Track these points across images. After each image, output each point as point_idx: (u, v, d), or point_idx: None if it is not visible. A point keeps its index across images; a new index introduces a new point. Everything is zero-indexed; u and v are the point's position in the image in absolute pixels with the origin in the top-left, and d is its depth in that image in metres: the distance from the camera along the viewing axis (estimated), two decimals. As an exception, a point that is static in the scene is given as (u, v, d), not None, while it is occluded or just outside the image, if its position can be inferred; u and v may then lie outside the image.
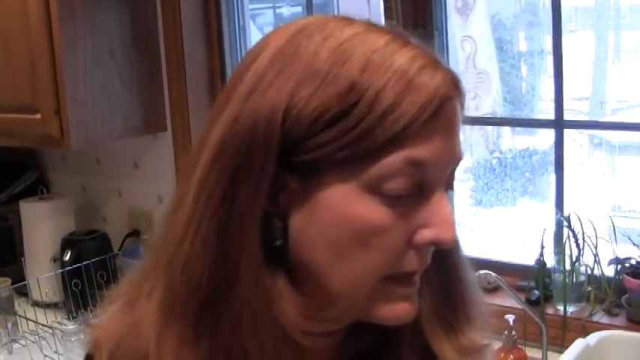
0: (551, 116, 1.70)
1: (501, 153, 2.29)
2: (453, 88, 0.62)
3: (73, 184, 2.49)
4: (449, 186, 0.65)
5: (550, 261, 1.67)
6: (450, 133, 0.62)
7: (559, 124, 1.67)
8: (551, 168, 1.72)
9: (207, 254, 0.60)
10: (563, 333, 1.59)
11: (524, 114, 2.17)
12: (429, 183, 0.61)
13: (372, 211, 0.60)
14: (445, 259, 0.69)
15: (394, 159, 0.59)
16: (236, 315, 0.60)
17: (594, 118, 2.27)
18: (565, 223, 1.61)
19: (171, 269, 0.62)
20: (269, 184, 0.60)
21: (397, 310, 0.64)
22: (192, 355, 0.61)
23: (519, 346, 1.56)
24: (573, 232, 1.60)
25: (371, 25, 0.64)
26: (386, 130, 0.58)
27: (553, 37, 1.63)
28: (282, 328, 0.62)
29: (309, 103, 0.59)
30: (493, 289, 1.70)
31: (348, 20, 0.64)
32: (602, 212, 1.87)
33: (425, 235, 0.62)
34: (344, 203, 0.60)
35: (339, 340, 0.67)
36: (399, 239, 0.61)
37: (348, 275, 0.62)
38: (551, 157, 1.80)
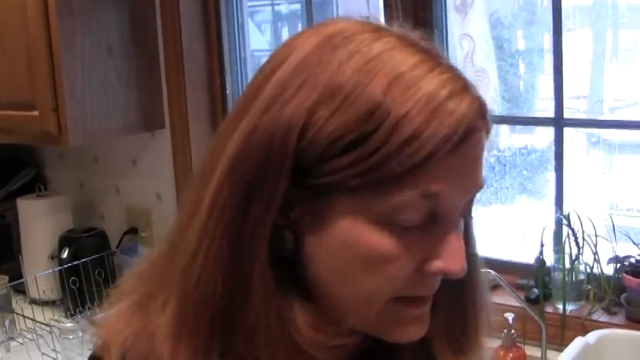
0: (549, 114, 1.70)
1: (499, 151, 2.29)
2: (478, 119, 0.59)
3: (71, 182, 2.49)
4: (466, 212, 0.64)
5: (549, 259, 1.67)
6: (471, 164, 0.60)
7: (559, 122, 1.67)
8: (549, 166, 1.72)
9: (221, 270, 0.60)
10: (563, 331, 1.59)
11: (522, 112, 2.17)
12: (444, 213, 0.60)
13: (381, 240, 0.59)
14: (465, 281, 0.67)
15: (408, 192, 0.58)
16: (249, 328, 0.60)
17: (592, 117, 2.28)
18: (565, 222, 1.61)
19: (185, 282, 0.61)
20: (280, 201, 0.59)
21: (408, 332, 0.64)
22: None
23: (518, 344, 1.56)
24: (573, 230, 1.60)
25: (401, 40, 0.61)
26: (402, 162, 0.56)
27: (553, 35, 1.62)
28: (294, 340, 0.61)
29: (326, 125, 0.57)
30: (492, 288, 1.70)
31: (378, 32, 0.61)
32: (601, 211, 1.87)
33: (434, 265, 0.61)
34: (352, 230, 0.59)
35: (351, 351, 0.67)
36: (407, 268, 0.60)
37: (354, 297, 0.62)
38: (549, 155, 1.79)
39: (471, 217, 0.69)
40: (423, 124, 0.56)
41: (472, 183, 0.61)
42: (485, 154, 0.62)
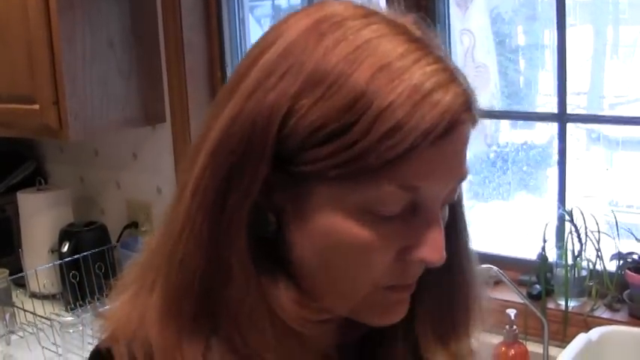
0: (549, 110, 1.69)
1: (499, 147, 2.29)
2: (463, 111, 0.58)
3: (71, 175, 2.48)
4: (449, 201, 0.63)
5: (552, 256, 1.67)
6: (453, 157, 0.60)
7: (562, 117, 1.67)
8: (549, 162, 1.71)
9: (201, 254, 0.60)
10: (565, 328, 1.59)
11: (521, 108, 2.16)
12: (424, 204, 0.60)
13: (360, 231, 0.59)
14: (454, 263, 0.68)
15: (388, 184, 0.57)
16: (233, 311, 0.61)
17: (592, 113, 2.27)
18: (567, 218, 1.60)
19: (169, 266, 0.62)
20: (262, 186, 0.59)
21: (388, 317, 0.65)
22: (195, 348, 0.61)
23: (520, 340, 1.56)
24: (575, 226, 1.60)
25: (391, 27, 0.60)
26: (382, 155, 0.56)
27: (557, 29, 1.62)
28: (280, 319, 0.62)
29: (309, 113, 0.57)
30: (494, 284, 1.70)
31: (368, 17, 0.60)
32: (601, 207, 1.87)
33: (413, 255, 0.61)
34: (331, 220, 0.59)
35: (337, 325, 0.67)
36: (387, 257, 0.60)
37: (336, 283, 0.62)
38: (549, 150, 1.79)
39: (461, 207, 0.69)
40: (404, 116, 0.56)
41: (454, 174, 0.61)
42: (467, 145, 0.61)
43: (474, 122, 0.61)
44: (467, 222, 0.70)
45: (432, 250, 0.60)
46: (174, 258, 0.61)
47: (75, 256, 2.06)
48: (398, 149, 0.56)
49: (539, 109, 2.09)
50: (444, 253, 0.61)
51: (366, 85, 0.56)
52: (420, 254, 0.60)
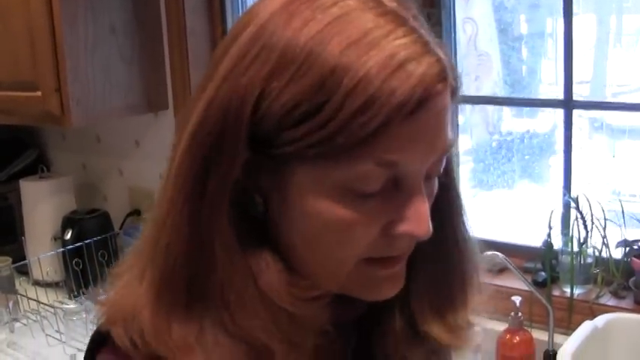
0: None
1: (501, 135, 2.28)
2: (438, 82, 0.57)
3: (74, 163, 2.47)
4: (435, 173, 0.63)
5: (557, 243, 1.66)
6: (431, 129, 0.59)
7: (569, 104, 1.66)
8: (552, 151, 1.71)
9: (183, 237, 0.60)
10: (570, 315, 1.59)
11: (524, 96, 2.16)
12: (405, 178, 0.59)
13: (342, 209, 0.59)
14: (447, 236, 0.68)
15: (364, 161, 0.57)
16: (222, 294, 0.61)
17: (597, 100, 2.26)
18: (573, 205, 1.60)
19: (155, 253, 0.62)
20: (244, 171, 0.59)
21: (380, 292, 0.64)
22: (187, 332, 0.61)
23: (525, 328, 1.56)
24: (581, 213, 1.59)
25: (363, 2, 0.58)
26: (355, 133, 0.55)
27: (564, 17, 1.61)
28: (270, 299, 0.62)
29: (281, 95, 0.57)
30: (499, 271, 1.70)
31: None
32: (605, 196, 1.87)
33: (398, 229, 0.60)
34: (313, 200, 0.59)
35: (332, 304, 0.67)
36: (372, 233, 0.60)
37: (324, 260, 0.62)
38: (552, 139, 1.78)
39: (452, 180, 0.68)
40: (375, 92, 0.55)
41: (433, 147, 0.60)
42: (447, 117, 0.59)
43: (452, 93, 0.60)
44: (460, 195, 0.70)
45: (417, 223, 0.60)
46: (160, 244, 0.62)
47: (78, 244, 2.06)
48: (371, 126, 0.55)
49: (549, 96, 2.09)
50: (430, 225, 0.60)
51: (336, 63, 0.56)
52: (404, 228, 0.60)
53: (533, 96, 2.16)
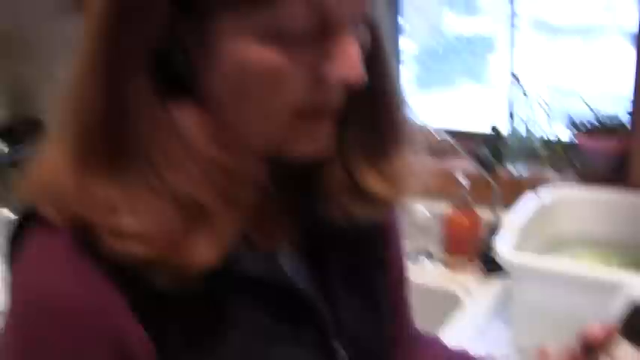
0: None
1: (443, 37, 2.26)
2: None
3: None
4: (361, 17, 0.60)
5: (504, 131, 1.66)
6: None
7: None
8: (491, 51, 1.69)
9: (100, 94, 0.58)
10: (516, 192, 1.58)
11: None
12: (331, 20, 0.57)
13: (271, 57, 0.57)
14: (377, 86, 0.67)
15: (289, 1, 0.55)
16: (145, 150, 0.58)
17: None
18: (517, 85, 1.59)
19: (73, 114, 0.60)
20: (160, 24, 0.57)
21: (311, 147, 0.63)
22: (111, 192, 0.58)
23: (472, 207, 1.56)
24: (524, 90, 1.58)
25: None
26: None
27: None
28: (198, 151, 0.60)
29: None
30: (446, 153, 1.69)
31: None
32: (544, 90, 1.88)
33: (331, 75, 0.59)
34: (241, 50, 0.57)
35: (263, 158, 0.65)
36: (304, 80, 0.59)
37: (255, 114, 0.61)
38: (491, 42, 1.75)
39: (381, 30, 0.67)
40: None
41: None
42: None
43: None
44: (389, 47, 0.68)
45: (350, 67, 0.58)
46: (76, 105, 0.59)
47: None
48: None
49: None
50: (362, 69, 0.59)
51: None
52: (336, 72, 0.58)
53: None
